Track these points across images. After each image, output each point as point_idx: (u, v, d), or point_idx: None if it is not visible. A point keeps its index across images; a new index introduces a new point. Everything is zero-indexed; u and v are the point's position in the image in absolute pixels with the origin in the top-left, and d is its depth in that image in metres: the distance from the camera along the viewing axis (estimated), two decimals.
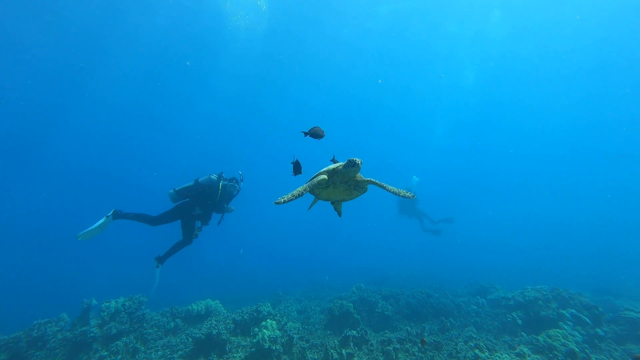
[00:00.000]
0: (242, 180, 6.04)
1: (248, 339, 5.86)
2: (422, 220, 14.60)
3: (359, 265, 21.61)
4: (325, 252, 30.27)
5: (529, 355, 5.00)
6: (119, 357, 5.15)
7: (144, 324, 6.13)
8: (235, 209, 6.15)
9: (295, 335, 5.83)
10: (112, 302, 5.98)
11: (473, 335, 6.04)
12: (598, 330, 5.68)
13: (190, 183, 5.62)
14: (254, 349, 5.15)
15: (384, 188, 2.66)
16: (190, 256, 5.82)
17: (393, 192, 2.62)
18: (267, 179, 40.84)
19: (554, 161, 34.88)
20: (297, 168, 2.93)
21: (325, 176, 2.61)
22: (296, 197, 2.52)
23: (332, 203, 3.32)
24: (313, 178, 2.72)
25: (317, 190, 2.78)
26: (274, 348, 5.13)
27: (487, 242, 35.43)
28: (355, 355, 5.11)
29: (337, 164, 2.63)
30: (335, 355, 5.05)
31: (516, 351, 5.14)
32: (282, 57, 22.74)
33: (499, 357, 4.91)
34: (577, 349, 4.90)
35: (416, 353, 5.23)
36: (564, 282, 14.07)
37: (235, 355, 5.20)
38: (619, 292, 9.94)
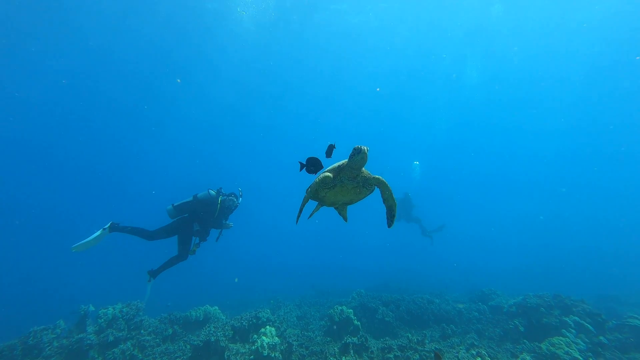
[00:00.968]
0: (241, 196, 5.97)
1: (247, 346, 5.79)
2: (421, 224, 14.61)
3: (359, 269, 21.54)
4: (325, 256, 30.16)
5: None
6: None
7: (142, 331, 6.06)
8: (235, 220, 6.10)
9: (294, 342, 5.76)
10: (109, 309, 5.92)
11: (475, 343, 5.96)
12: (602, 338, 5.60)
13: (189, 199, 5.55)
14: (252, 357, 5.08)
15: (387, 192, 2.51)
16: (189, 261, 5.77)
17: (389, 204, 2.51)
18: (267, 182, 40.92)
19: (557, 160, 34.31)
20: (329, 152, 2.63)
21: (329, 174, 2.46)
22: (304, 204, 2.42)
23: (336, 209, 3.16)
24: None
25: (323, 192, 2.59)
26: (272, 355, 5.06)
27: (487, 242, 35.27)
28: None
29: (341, 162, 2.50)
30: None
31: (519, 359, 5.07)
32: (278, 61, 22.70)
33: None
34: (580, 358, 4.83)
35: None
36: (565, 285, 14.02)
37: None
38: (622, 298, 9.85)
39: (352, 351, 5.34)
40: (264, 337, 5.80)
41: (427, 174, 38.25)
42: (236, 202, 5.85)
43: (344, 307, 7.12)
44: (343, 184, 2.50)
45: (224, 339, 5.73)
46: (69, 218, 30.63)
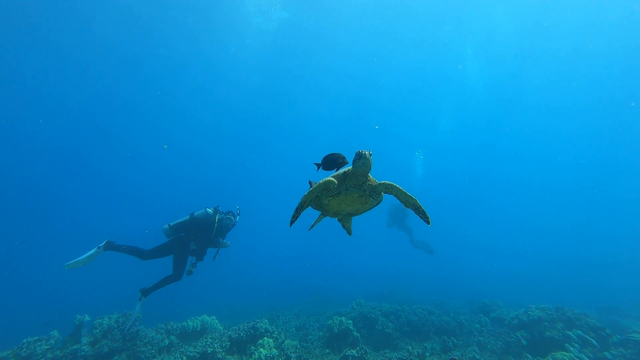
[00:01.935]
0: (238, 214, 5.88)
1: (244, 358, 5.69)
2: (411, 234, 14.50)
3: (359, 274, 21.36)
4: (325, 261, 29.98)
5: None
6: None
7: (138, 342, 5.95)
8: (232, 238, 6.04)
9: (292, 355, 5.66)
10: (105, 319, 5.83)
11: (476, 357, 5.85)
12: (606, 353, 5.48)
13: (186, 217, 5.47)
14: None
15: (402, 194, 2.28)
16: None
17: (411, 204, 2.28)
18: (268, 186, 40.76)
19: (558, 165, 33.92)
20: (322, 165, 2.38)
21: (333, 180, 2.24)
22: (302, 206, 2.22)
23: (339, 220, 2.93)
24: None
25: (326, 199, 2.37)
26: None
27: (489, 246, 34.81)
28: None
29: (347, 168, 2.29)
30: None
31: None
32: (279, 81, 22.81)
33: None
34: None
35: None
36: (566, 293, 13.87)
37: None
38: (625, 310, 9.70)
39: None
40: (261, 349, 5.70)
41: (428, 176, 37.93)
42: (234, 220, 5.74)
43: (343, 318, 7.02)
44: (348, 191, 2.28)
45: (220, 350, 5.64)
46: (64, 223, 30.49)
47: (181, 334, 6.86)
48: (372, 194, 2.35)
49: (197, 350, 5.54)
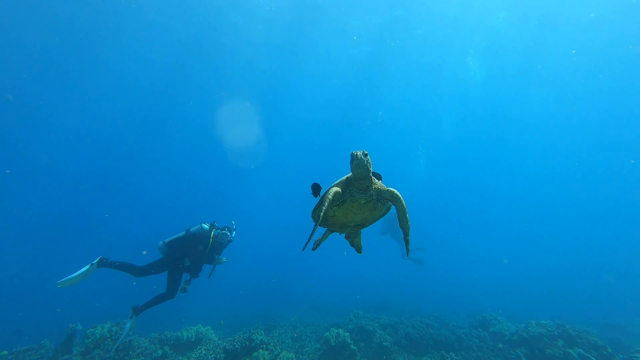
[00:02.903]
0: (234, 230, 5.79)
1: None
2: (403, 245, 14.32)
3: (357, 283, 21.17)
4: (324, 267, 29.73)
5: None
6: None
7: (130, 352, 5.83)
8: (228, 255, 5.95)
9: None
10: (97, 328, 5.72)
11: None
12: None
13: (182, 233, 5.38)
14: None
15: (401, 210, 2.12)
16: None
17: (402, 225, 2.11)
18: (267, 186, 40.50)
19: (560, 177, 33.82)
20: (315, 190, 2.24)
21: (338, 188, 2.09)
22: (315, 229, 2.05)
23: (346, 238, 2.70)
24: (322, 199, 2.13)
25: (331, 210, 2.20)
26: None
27: (487, 257, 34.40)
28: None
29: (349, 174, 2.13)
30: None
31: None
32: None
33: None
34: None
35: None
36: (567, 306, 13.67)
37: None
38: (627, 327, 9.56)
39: None
40: None
41: (429, 181, 37.75)
42: (230, 236, 5.63)
43: (341, 330, 6.90)
44: (354, 198, 2.11)
45: None
46: (58, 230, 30.21)
47: (175, 345, 6.73)
48: (379, 199, 2.19)
49: None
